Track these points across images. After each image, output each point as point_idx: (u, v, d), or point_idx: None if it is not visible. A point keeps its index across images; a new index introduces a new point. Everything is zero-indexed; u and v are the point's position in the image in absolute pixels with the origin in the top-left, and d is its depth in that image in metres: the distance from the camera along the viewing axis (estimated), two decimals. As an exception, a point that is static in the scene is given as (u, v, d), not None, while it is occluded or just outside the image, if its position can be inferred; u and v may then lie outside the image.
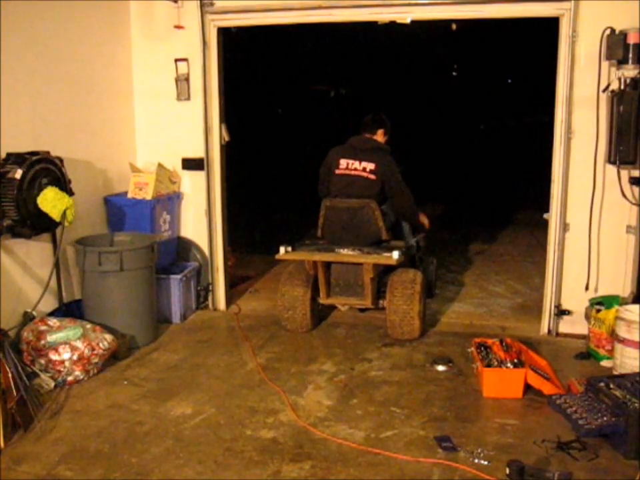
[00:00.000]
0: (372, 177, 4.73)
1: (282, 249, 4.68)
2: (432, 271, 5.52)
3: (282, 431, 3.47)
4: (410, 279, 4.62)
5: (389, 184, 4.79)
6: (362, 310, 5.09)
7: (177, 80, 5.31)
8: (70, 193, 4.40)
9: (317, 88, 16.29)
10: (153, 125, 5.50)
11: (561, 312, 4.83)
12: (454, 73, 17.49)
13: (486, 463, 3.12)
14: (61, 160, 4.39)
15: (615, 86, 4.35)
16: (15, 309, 4.20)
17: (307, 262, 4.64)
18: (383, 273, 4.77)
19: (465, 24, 9.12)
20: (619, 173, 4.41)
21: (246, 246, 7.51)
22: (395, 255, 4.47)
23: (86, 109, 4.97)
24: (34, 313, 4.23)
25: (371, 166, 4.74)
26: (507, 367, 3.89)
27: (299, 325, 4.85)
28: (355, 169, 4.78)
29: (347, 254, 4.59)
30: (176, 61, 5.28)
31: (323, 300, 4.80)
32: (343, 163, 4.85)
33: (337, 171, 4.88)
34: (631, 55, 4.24)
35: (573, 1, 4.45)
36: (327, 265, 4.69)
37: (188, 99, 5.32)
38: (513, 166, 13.65)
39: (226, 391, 3.96)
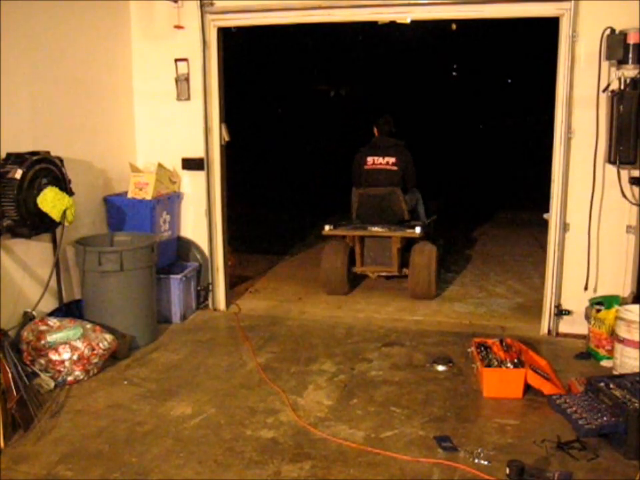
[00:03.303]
0: (394, 168, 5.87)
1: (327, 227, 5.82)
2: (441, 245, 6.34)
3: (282, 430, 3.47)
4: (428, 250, 5.65)
5: (407, 170, 5.95)
6: (387, 277, 5.98)
7: (176, 80, 5.31)
8: (70, 193, 4.40)
9: (317, 88, 16.29)
10: (153, 125, 5.50)
11: (560, 312, 4.83)
12: (454, 73, 17.49)
13: (486, 463, 3.12)
14: (61, 160, 4.39)
15: (614, 86, 4.35)
16: (14, 309, 4.20)
17: (348, 236, 5.75)
18: (405, 246, 5.76)
19: (464, 24, 9.13)
20: (618, 172, 4.41)
21: (246, 246, 7.52)
22: (417, 229, 5.63)
23: (86, 109, 4.97)
24: (34, 313, 4.23)
25: (392, 159, 5.88)
26: (507, 367, 3.89)
27: (337, 289, 5.79)
28: (380, 163, 5.88)
29: (379, 230, 5.66)
30: (176, 61, 5.28)
31: (357, 269, 5.83)
32: (370, 160, 5.95)
33: (366, 167, 5.97)
34: (630, 55, 4.24)
35: (572, 1, 4.45)
36: (361, 241, 5.74)
37: (188, 99, 5.32)
38: (513, 166, 13.66)
39: (226, 391, 3.96)
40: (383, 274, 5.82)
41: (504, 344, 4.13)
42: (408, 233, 5.63)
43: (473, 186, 12.41)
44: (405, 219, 5.81)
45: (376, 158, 5.89)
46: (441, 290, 6.10)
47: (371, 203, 5.78)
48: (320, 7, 4.93)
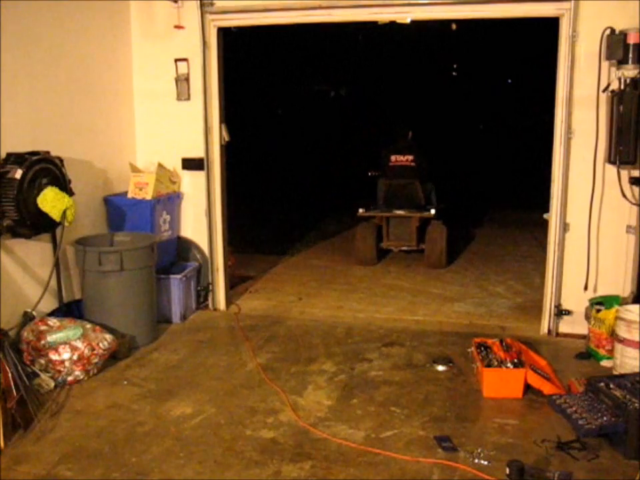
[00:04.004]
0: (412, 164, 7.22)
1: (360, 210, 6.98)
2: (447, 227, 7.20)
3: (282, 430, 3.47)
4: (439, 228, 6.82)
5: (422, 166, 7.27)
6: (407, 251, 7.10)
7: (177, 80, 5.32)
8: (70, 192, 4.39)
9: (317, 88, 16.30)
10: (153, 125, 5.50)
11: (560, 312, 4.83)
12: (454, 73, 17.48)
13: (486, 463, 3.12)
14: (61, 160, 4.39)
15: (614, 86, 4.35)
16: (14, 309, 4.20)
17: (377, 217, 6.99)
18: (421, 226, 6.93)
19: (465, 24, 9.14)
20: (618, 172, 4.41)
21: (246, 246, 7.52)
22: (432, 211, 6.95)
23: (86, 109, 4.97)
24: (34, 313, 4.23)
25: (410, 157, 7.25)
26: (507, 367, 3.89)
27: (368, 261, 6.97)
28: (401, 160, 7.25)
29: (401, 212, 6.95)
30: (176, 61, 5.28)
31: (384, 244, 7.06)
32: (393, 157, 7.31)
33: (390, 163, 7.30)
34: (630, 55, 4.24)
35: (572, 1, 4.45)
36: (387, 221, 7.01)
37: (188, 99, 5.32)
38: (513, 166, 13.66)
39: (226, 391, 3.96)
40: (404, 248, 7.03)
41: (504, 344, 4.13)
42: (425, 214, 6.92)
43: (473, 186, 12.41)
44: (422, 204, 7.05)
45: (398, 156, 7.24)
46: (441, 290, 6.13)
47: (395, 191, 7.06)
48: (320, 7, 4.94)
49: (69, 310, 4.60)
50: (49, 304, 4.49)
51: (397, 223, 6.95)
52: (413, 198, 6.99)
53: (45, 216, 4.19)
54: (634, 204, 4.50)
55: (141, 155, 5.56)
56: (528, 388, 3.84)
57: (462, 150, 14.89)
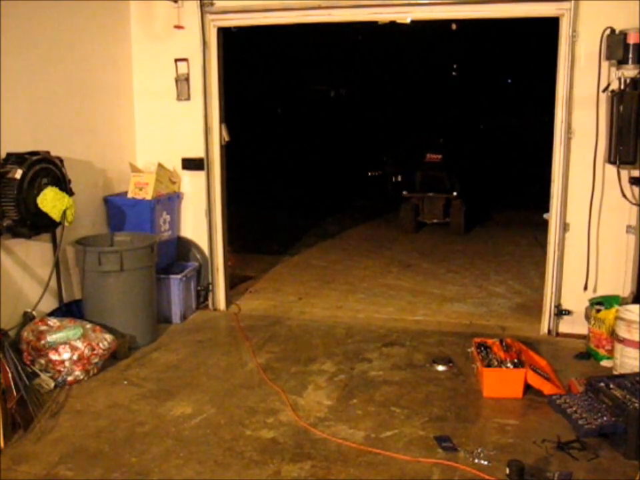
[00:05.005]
0: (441, 161, 9.28)
1: (404, 192, 9.00)
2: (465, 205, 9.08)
3: (282, 430, 3.47)
4: (459, 205, 8.86)
5: (448, 161, 9.31)
6: (437, 224, 8.98)
7: (177, 80, 5.32)
8: (70, 193, 4.40)
9: (317, 88, 16.29)
10: (153, 125, 5.50)
11: (560, 312, 4.83)
12: (454, 73, 17.48)
13: (486, 463, 3.12)
14: (61, 160, 4.39)
15: (614, 86, 4.35)
16: (14, 309, 4.20)
17: (415, 197, 9.01)
18: (446, 204, 8.94)
19: (465, 24, 9.14)
20: (618, 172, 4.41)
21: (246, 246, 7.52)
22: (455, 193, 8.88)
23: (86, 109, 4.97)
24: (34, 313, 4.23)
25: (439, 156, 9.32)
26: (507, 367, 3.89)
27: (408, 230, 8.89)
28: (433, 157, 9.30)
29: (433, 194, 8.95)
30: (176, 61, 5.29)
31: (421, 218, 9.04)
32: (428, 155, 9.35)
33: (425, 160, 9.34)
34: (630, 55, 4.24)
35: (572, 1, 4.45)
36: (422, 201, 9.01)
37: (188, 99, 5.32)
38: (513, 166, 13.65)
39: (226, 391, 3.96)
40: (435, 221, 9.02)
41: (504, 344, 4.13)
42: (450, 195, 8.91)
43: (473, 185, 12.40)
44: (447, 188, 8.96)
45: (431, 154, 9.30)
46: (441, 290, 6.15)
47: (427, 180, 9.07)
48: (320, 7, 4.93)
49: (69, 310, 4.60)
50: (49, 304, 4.49)
51: (429, 201, 8.99)
52: (441, 184, 9.04)
53: (45, 216, 4.19)
54: (634, 204, 4.50)
55: (141, 155, 5.56)
56: (528, 388, 3.84)
57: (461, 149, 14.88)
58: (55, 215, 4.21)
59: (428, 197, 8.98)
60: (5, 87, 4.10)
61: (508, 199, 11.40)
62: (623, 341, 4.05)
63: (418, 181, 9.18)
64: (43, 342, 3.98)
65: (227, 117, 5.46)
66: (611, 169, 4.48)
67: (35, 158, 4.13)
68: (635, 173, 4.46)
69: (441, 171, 9.13)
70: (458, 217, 8.81)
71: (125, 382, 4.10)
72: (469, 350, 4.27)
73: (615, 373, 4.07)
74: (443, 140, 10.16)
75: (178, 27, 5.18)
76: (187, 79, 5.29)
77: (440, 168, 9.18)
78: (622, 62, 4.29)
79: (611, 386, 3.49)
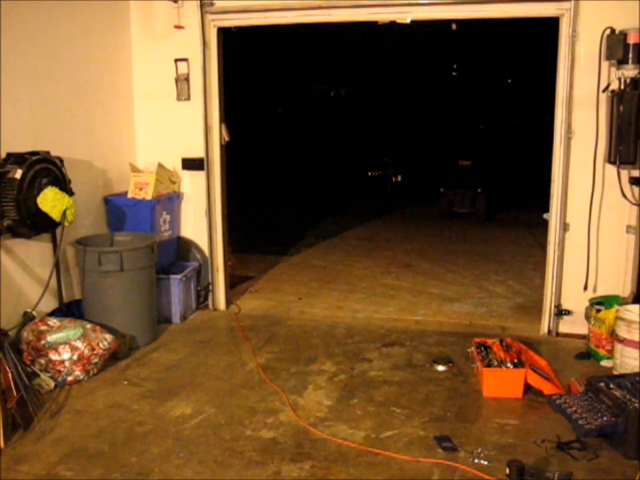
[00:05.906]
0: (470, 165, 11.09)
1: (441, 188, 10.62)
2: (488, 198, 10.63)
3: (282, 430, 3.47)
4: (483, 197, 10.39)
5: (475, 166, 11.14)
6: (466, 213, 10.51)
7: (176, 80, 5.32)
8: (70, 193, 4.40)
9: (317, 88, 16.30)
10: (153, 125, 5.50)
11: (560, 312, 4.83)
12: (454, 73, 17.48)
13: (486, 463, 3.12)
14: (61, 160, 4.39)
15: (614, 86, 4.35)
16: (14, 309, 4.20)
17: (450, 192, 10.60)
18: (473, 198, 10.48)
19: (465, 24, 9.15)
20: (618, 172, 4.41)
21: (246, 246, 7.52)
22: (479, 189, 10.42)
23: (86, 109, 4.97)
24: (34, 313, 4.23)
25: (469, 162, 11.10)
26: (506, 367, 3.89)
27: (446, 216, 10.50)
28: (464, 163, 11.08)
29: (463, 190, 10.53)
30: (176, 61, 5.29)
31: (454, 208, 10.60)
32: (460, 162, 11.09)
33: (459, 164, 11.10)
34: (630, 55, 4.24)
35: (572, 1, 4.45)
36: (455, 195, 10.60)
37: (188, 99, 5.32)
38: (513, 166, 13.64)
39: (226, 391, 3.96)
40: (464, 210, 10.58)
41: (504, 344, 4.13)
42: (476, 191, 10.46)
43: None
44: (474, 185, 10.53)
45: (462, 161, 11.17)
46: (441, 290, 6.14)
47: (459, 179, 10.79)
48: (320, 7, 4.94)
49: (69, 310, 4.60)
50: (49, 304, 4.49)
51: (460, 195, 10.64)
52: (469, 182, 10.74)
53: (45, 216, 4.19)
54: (634, 204, 4.50)
55: (141, 155, 5.56)
56: (528, 388, 3.84)
57: (461, 149, 14.88)
58: (55, 215, 4.21)
59: (459, 192, 10.80)
60: (5, 87, 4.10)
61: (507, 199, 11.41)
62: (622, 341, 4.05)
63: (451, 180, 11.13)
64: (43, 342, 3.98)
65: (227, 116, 5.46)
66: (611, 169, 4.48)
67: (34, 158, 4.13)
68: (635, 173, 4.46)
69: (469, 172, 11.17)
70: (482, 207, 10.58)
71: (125, 382, 4.10)
72: (469, 350, 4.27)
73: (615, 372, 4.07)
74: (471, 148, 12.16)
75: (178, 26, 5.18)
76: (187, 79, 5.29)
77: (469, 171, 11.25)
78: (622, 62, 4.28)
79: (611, 386, 3.49)
